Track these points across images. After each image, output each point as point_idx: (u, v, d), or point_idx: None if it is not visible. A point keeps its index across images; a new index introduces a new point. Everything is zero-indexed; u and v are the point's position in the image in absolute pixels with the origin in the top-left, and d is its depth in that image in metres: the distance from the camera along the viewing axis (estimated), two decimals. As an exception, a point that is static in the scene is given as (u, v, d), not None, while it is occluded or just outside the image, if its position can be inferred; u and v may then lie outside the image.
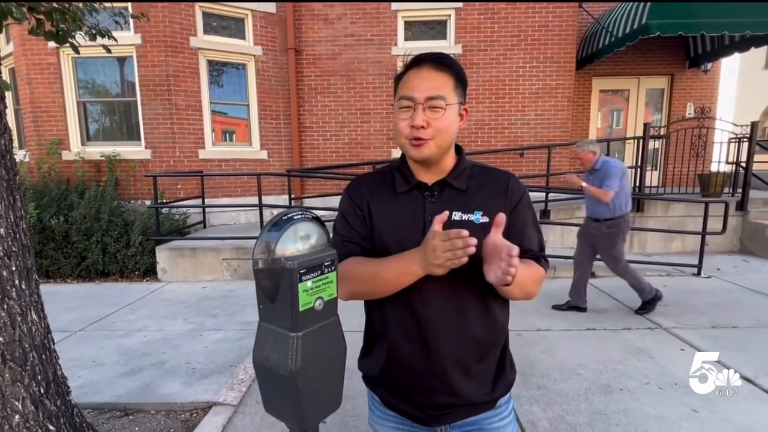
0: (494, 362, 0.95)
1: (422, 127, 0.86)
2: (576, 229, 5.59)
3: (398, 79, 0.94)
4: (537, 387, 2.51)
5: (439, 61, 0.89)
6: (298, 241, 0.75)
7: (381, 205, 0.95)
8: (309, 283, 0.73)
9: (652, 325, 3.43)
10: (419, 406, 0.94)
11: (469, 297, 0.90)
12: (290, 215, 0.75)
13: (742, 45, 6.69)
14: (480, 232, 0.86)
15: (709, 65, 7.69)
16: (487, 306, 0.92)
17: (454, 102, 0.88)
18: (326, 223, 0.86)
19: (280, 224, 0.74)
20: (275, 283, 0.73)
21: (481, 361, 0.93)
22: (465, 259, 0.75)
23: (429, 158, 0.90)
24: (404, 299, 0.90)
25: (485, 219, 0.89)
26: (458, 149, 0.99)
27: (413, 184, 0.94)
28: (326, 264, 0.76)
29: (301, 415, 0.77)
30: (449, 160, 0.95)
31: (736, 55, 7.49)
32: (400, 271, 0.84)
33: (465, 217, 0.90)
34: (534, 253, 0.95)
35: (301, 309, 0.72)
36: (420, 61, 0.90)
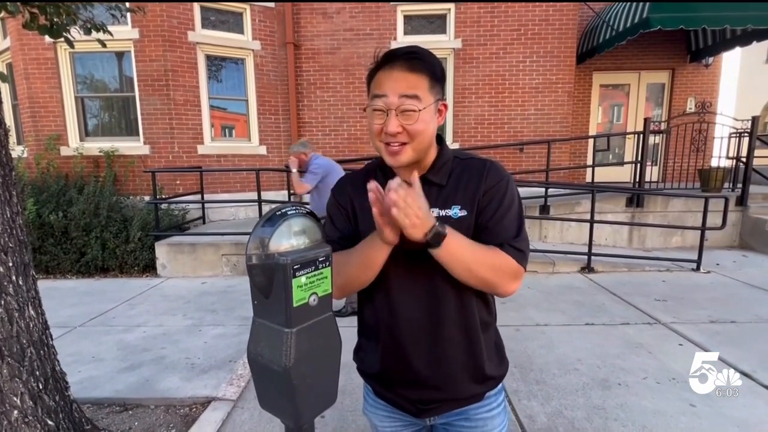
0: (481, 357, 0.94)
1: (397, 132, 0.83)
2: (575, 224, 5.60)
3: (370, 76, 0.89)
4: (535, 382, 2.52)
5: (411, 60, 0.83)
6: (292, 237, 0.74)
7: (365, 203, 0.93)
8: (303, 279, 0.73)
9: (650, 320, 3.43)
10: (408, 400, 0.95)
11: (449, 292, 0.89)
12: (284, 210, 0.75)
13: (744, 39, 6.65)
14: (458, 227, 0.86)
15: (711, 59, 7.65)
16: (467, 301, 0.91)
17: (430, 102, 0.84)
18: (322, 219, 0.86)
19: (273, 220, 0.73)
20: (269, 279, 0.72)
21: (466, 356, 0.92)
22: (393, 210, 0.74)
23: (406, 164, 0.87)
24: (387, 296, 0.91)
25: (463, 213, 0.88)
26: (439, 140, 0.95)
27: None
28: (320, 259, 0.75)
29: (295, 411, 0.77)
30: (430, 156, 0.92)
31: (738, 50, 7.45)
32: (366, 246, 0.85)
33: (443, 212, 0.88)
34: (500, 242, 0.87)
35: (295, 305, 0.72)
36: (391, 59, 0.84)
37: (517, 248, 0.86)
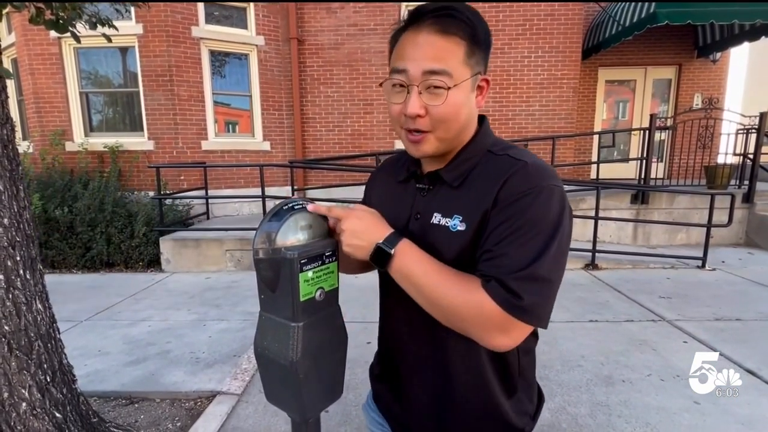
0: (480, 404, 0.75)
1: (418, 115, 0.66)
2: (579, 221, 5.57)
3: (393, 41, 0.71)
4: (539, 378, 2.50)
5: (444, 20, 0.64)
6: (299, 231, 0.74)
7: (386, 192, 0.85)
8: (310, 273, 0.73)
9: (654, 317, 3.42)
10: (387, 411, 0.88)
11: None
12: (291, 205, 0.75)
13: (753, 34, 6.57)
14: (454, 241, 0.68)
15: (718, 55, 7.56)
16: (462, 337, 0.67)
17: (465, 77, 0.65)
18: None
19: (280, 214, 0.73)
20: (276, 273, 0.73)
21: (472, 394, 0.75)
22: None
23: (431, 155, 0.72)
24: (385, 291, 0.84)
25: (462, 226, 0.68)
26: (481, 122, 0.75)
27: (410, 173, 0.80)
28: (327, 254, 0.75)
29: (302, 405, 0.77)
30: (460, 145, 0.74)
31: (746, 45, 7.36)
32: None
33: (443, 221, 0.71)
34: (484, 274, 0.63)
35: (301, 299, 0.72)
36: (419, 18, 0.66)
37: (510, 289, 0.59)
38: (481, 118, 0.75)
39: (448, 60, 0.64)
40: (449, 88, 0.64)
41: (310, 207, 0.74)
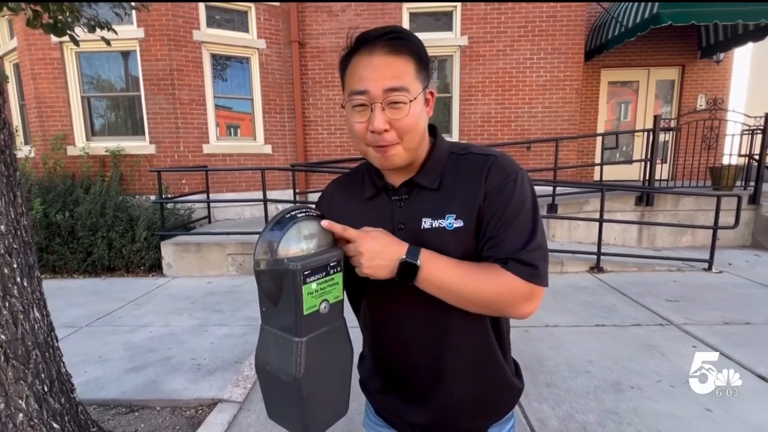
0: (481, 385, 0.83)
1: (384, 130, 0.72)
2: (584, 223, 5.53)
3: (344, 64, 0.76)
4: (546, 384, 2.47)
5: (394, 42, 0.71)
6: (302, 241, 0.70)
7: (352, 212, 0.83)
8: (314, 285, 0.69)
9: (662, 321, 3.37)
10: (401, 420, 0.88)
11: (449, 312, 0.76)
12: (293, 213, 0.71)
13: (757, 34, 6.53)
14: (457, 238, 0.74)
15: (722, 55, 7.52)
16: (471, 322, 0.78)
17: (419, 90, 0.74)
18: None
19: (282, 223, 0.70)
20: (278, 285, 0.69)
21: (464, 382, 0.82)
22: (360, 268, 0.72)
23: (399, 166, 0.77)
24: (380, 307, 0.84)
25: (459, 223, 0.74)
26: (432, 132, 0.83)
27: (380, 187, 0.82)
28: (332, 265, 0.72)
29: (305, 423, 0.73)
30: (422, 153, 0.80)
31: (750, 45, 7.32)
32: None
33: (436, 223, 0.75)
34: (498, 258, 0.72)
35: (305, 312, 0.69)
36: (369, 42, 0.72)
37: (526, 262, 0.71)
38: (433, 128, 0.83)
39: (404, 77, 0.72)
40: (410, 102, 0.72)
41: (324, 223, 0.73)
